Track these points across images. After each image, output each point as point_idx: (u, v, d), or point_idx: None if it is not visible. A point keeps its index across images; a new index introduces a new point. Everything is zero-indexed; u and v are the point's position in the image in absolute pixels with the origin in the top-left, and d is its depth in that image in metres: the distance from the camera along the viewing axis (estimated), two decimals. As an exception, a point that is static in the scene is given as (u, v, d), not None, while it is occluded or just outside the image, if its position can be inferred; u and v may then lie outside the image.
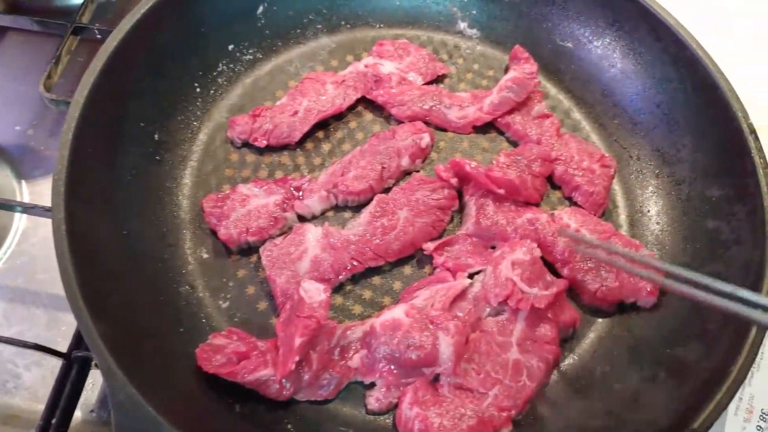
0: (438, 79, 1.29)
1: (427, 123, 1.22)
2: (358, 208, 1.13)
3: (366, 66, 1.25)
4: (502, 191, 1.09)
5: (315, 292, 0.95)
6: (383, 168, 1.13)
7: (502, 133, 1.24)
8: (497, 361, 0.96)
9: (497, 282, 1.01)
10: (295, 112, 1.18)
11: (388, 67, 1.24)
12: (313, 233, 1.06)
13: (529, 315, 1.00)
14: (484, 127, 1.23)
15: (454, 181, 1.13)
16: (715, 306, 0.70)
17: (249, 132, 1.17)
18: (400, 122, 1.22)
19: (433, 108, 1.21)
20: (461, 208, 1.15)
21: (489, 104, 1.21)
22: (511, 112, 1.22)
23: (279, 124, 1.17)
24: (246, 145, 1.19)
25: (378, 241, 1.06)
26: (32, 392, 1.06)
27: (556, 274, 1.07)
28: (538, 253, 1.04)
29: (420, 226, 1.08)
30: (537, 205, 1.14)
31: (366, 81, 1.23)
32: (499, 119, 1.22)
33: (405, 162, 1.15)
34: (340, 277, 1.05)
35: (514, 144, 1.23)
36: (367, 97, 1.24)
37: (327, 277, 1.04)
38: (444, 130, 1.23)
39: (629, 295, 1.06)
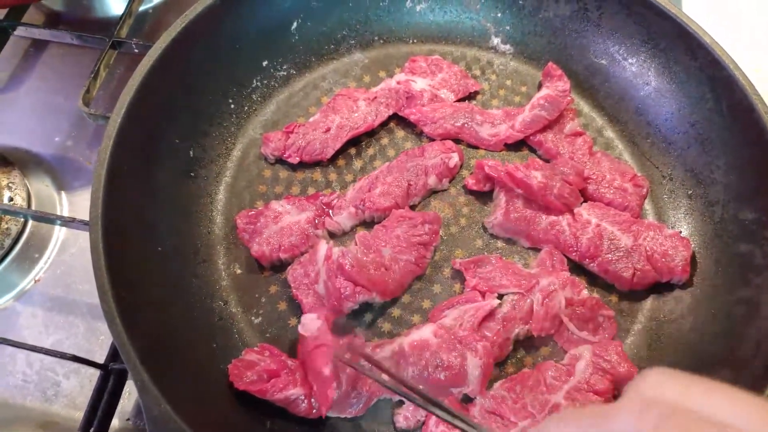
0: (470, 96, 1.29)
1: (459, 140, 1.22)
2: (387, 225, 1.14)
3: (398, 83, 1.25)
4: (519, 191, 1.11)
5: (311, 324, 0.97)
6: (410, 185, 1.14)
7: (534, 151, 1.24)
8: (538, 398, 0.97)
9: (546, 316, 1.03)
10: (328, 129, 1.19)
11: (420, 83, 1.25)
12: (321, 252, 1.06)
13: (586, 366, 1.00)
14: (516, 145, 1.23)
15: (487, 185, 1.16)
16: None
17: (282, 148, 1.18)
18: (432, 139, 1.23)
19: (465, 125, 1.21)
20: (491, 199, 1.17)
21: (521, 122, 1.20)
22: (543, 129, 1.21)
23: (312, 141, 1.18)
24: (279, 161, 1.20)
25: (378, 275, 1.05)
26: (71, 399, 1.09)
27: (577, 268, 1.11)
28: (586, 294, 1.06)
29: (404, 264, 1.07)
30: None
31: (398, 98, 1.24)
32: (531, 137, 1.22)
33: (432, 181, 1.15)
34: (359, 297, 1.03)
35: (547, 162, 1.22)
36: (400, 114, 1.24)
37: (345, 295, 1.03)
38: (476, 147, 1.23)
39: (663, 274, 1.08)
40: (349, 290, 1.01)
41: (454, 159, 1.16)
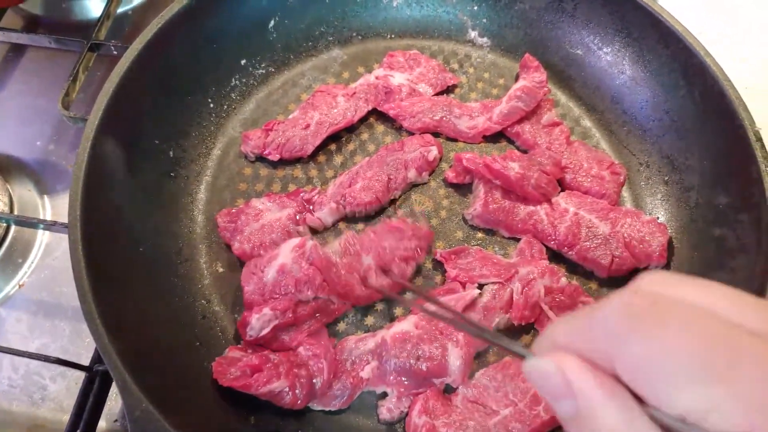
0: (449, 89, 1.30)
1: (438, 134, 1.23)
2: (368, 219, 1.15)
3: (377, 78, 1.26)
4: (498, 182, 1.12)
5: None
6: (390, 179, 1.14)
7: (512, 142, 1.25)
8: (519, 386, 0.97)
9: (526, 305, 1.04)
10: (307, 126, 1.20)
11: (398, 78, 1.25)
12: (289, 244, 1.05)
13: None
14: (494, 137, 1.24)
15: (467, 178, 1.18)
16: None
17: (262, 146, 1.19)
18: (411, 133, 1.23)
19: (444, 119, 1.22)
20: (470, 191, 1.18)
21: (498, 114, 1.21)
22: (521, 121, 1.22)
23: (291, 138, 1.19)
24: (259, 159, 1.21)
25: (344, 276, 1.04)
26: (57, 403, 1.09)
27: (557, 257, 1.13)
28: (565, 281, 1.07)
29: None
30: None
31: (377, 93, 1.24)
32: (508, 128, 1.23)
33: (412, 174, 1.16)
34: (301, 294, 1.00)
35: (525, 152, 1.22)
36: (379, 109, 1.25)
37: (287, 291, 1.00)
38: (455, 140, 1.24)
39: (641, 260, 1.09)
40: (308, 281, 1.00)
41: (433, 152, 1.17)
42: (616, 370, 0.45)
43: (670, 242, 1.11)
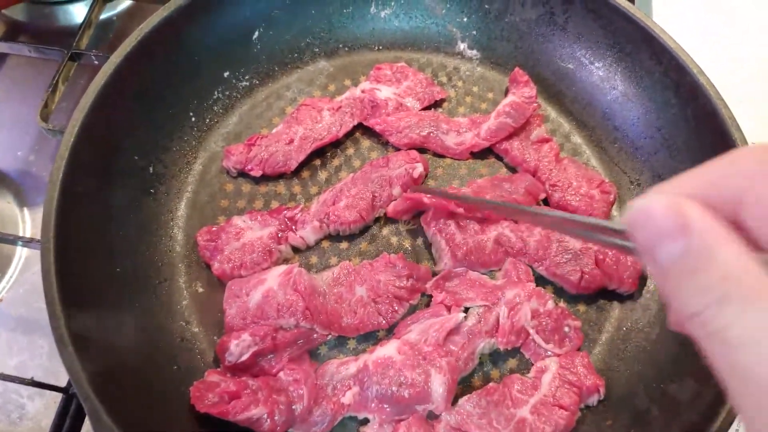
0: (437, 103, 1.27)
1: (425, 149, 1.21)
2: (352, 238, 1.13)
3: (363, 91, 1.23)
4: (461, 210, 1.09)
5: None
6: (374, 197, 1.12)
7: (500, 159, 1.22)
8: (503, 413, 0.95)
9: (512, 329, 1.01)
10: (291, 141, 1.17)
11: (385, 92, 1.23)
12: (278, 269, 1.05)
13: (552, 379, 0.99)
14: (483, 153, 1.21)
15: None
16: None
17: (244, 161, 1.16)
18: (398, 148, 1.21)
19: (431, 134, 1.19)
20: (430, 245, 1.13)
21: (486, 130, 1.19)
22: (509, 137, 1.19)
23: (274, 153, 1.16)
24: (242, 174, 1.18)
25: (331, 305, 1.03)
26: (36, 422, 1.07)
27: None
28: (552, 305, 1.05)
29: (369, 314, 1.03)
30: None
31: (363, 107, 1.22)
32: (497, 145, 1.20)
33: (397, 192, 1.13)
34: (282, 321, 0.99)
35: (513, 169, 1.21)
36: (365, 124, 1.22)
37: (268, 315, 0.99)
38: (442, 156, 1.21)
39: (613, 280, 1.07)
40: (290, 308, 0.99)
41: (419, 169, 1.14)
42: (741, 212, 0.46)
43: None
